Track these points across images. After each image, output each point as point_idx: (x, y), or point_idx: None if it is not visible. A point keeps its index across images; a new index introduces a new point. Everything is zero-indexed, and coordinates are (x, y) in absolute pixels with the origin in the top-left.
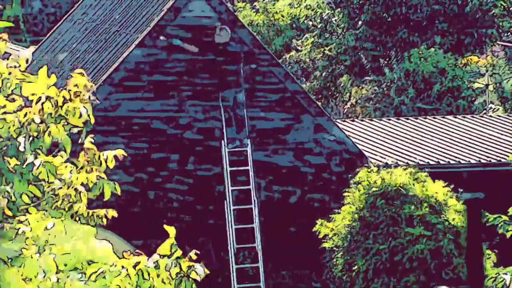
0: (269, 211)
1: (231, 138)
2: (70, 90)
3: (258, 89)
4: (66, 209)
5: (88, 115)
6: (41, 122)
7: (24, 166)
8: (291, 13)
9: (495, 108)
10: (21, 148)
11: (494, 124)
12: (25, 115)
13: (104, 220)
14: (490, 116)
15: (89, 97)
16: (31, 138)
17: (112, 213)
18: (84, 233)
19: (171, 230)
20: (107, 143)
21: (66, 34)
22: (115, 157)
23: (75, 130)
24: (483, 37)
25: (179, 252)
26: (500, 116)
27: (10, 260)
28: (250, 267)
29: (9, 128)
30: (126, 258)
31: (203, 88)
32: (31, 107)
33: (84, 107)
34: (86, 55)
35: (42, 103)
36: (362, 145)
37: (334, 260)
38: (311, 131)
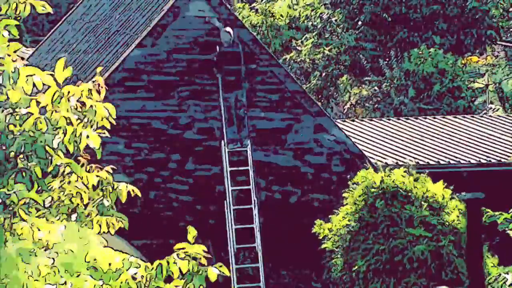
0: (269, 211)
1: (231, 138)
2: (89, 88)
3: (258, 89)
4: (70, 212)
5: (107, 118)
6: (69, 123)
7: (50, 167)
8: (290, 14)
9: (495, 108)
10: (54, 145)
11: (494, 124)
12: (51, 113)
13: (112, 230)
14: (490, 116)
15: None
16: (60, 139)
17: (125, 223)
18: (88, 235)
19: (192, 231)
20: (107, 143)
21: (66, 34)
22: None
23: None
24: (482, 37)
25: (197, 248)
26: (500, 116)
27: (21, 259)
28: (250, 267)
29: (36, 128)
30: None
31: (203, 88)
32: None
33: (105, 107)
34: (86, 55)
35: (75, 105)
36: (362, 145)
37: (334, 260)
38: (311, 131)
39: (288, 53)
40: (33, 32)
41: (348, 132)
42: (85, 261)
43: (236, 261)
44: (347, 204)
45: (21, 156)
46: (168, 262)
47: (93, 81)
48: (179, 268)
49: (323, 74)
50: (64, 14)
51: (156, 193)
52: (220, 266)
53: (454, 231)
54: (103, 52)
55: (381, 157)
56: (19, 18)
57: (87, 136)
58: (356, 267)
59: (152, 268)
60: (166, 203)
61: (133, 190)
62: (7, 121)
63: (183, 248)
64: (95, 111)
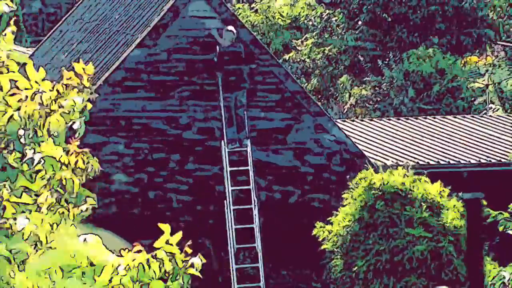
0: (269, 211)
1: (231, 138)
2: (64, 83)
3: (258, 89)
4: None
5: (86, 106)
6: (40, 116)
7: (23, 161)
8: (290, 13)
9: (495, 108)
10: (22, 141)
11: (494, 124)
12: (25, 107)
13: (87, 212)
14: (490, 116)
15: (89, 88)
16: (31, 132)
17: (92, 202)
18: (71, 230)
19: (166, 228)
20: (107, 143)
21: (66, 34)
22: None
23: (75, 124)
24: (482, 38)
25: (174, 248)
26: (500, 116)
27: (15, 259)
28: (250, 267)
29: (11, 122)
30: (122, 256)
31: (203, 88)
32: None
33: (79, 97)
34: (86, 55)
35: (41, 97)
36: (362, 145)
37: (334, 261)
38: (311, 131)
39: (288, 53)
40: (33, 32)
41: (348, 132)
42: (80, 261)
43: (236, 261)
44: (347, 204)
45: (4, 151)
46: (148, 261)
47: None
48: (163, 268)
49: (323, 74)
50: (64, 14)
51: (156, 193)
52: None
53: (454, 231)
54: (103, 52)
55: (381, 157)
56: None
57: (49, 125)
58: (356, 267)
59: (134, 267)
60: (166, 203)
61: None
62: None
63: (159, 248)
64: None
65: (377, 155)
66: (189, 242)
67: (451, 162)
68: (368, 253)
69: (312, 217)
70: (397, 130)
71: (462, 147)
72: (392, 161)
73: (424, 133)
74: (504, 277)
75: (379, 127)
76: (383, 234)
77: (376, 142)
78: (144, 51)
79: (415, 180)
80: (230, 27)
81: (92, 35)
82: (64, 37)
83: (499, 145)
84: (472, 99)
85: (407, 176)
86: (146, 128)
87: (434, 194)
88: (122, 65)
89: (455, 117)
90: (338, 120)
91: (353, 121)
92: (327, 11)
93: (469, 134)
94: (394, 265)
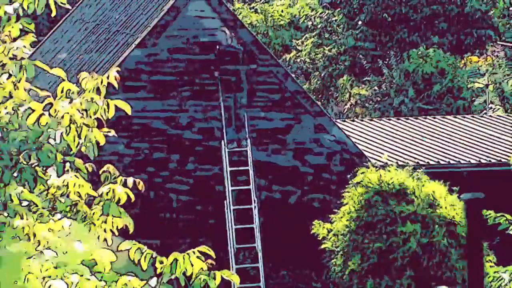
0: (269, 211)
1: (231, 138)
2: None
3: (258, 89)
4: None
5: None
6: (73, 121)
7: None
8: (290, 13)
9: (495, 108)
10: (57, 139)
11: (494, 124)
12: (55, 111)
13: (115, 231)
14: (490, 116)
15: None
16: (64, 133)
17: (130, 226)
18: (83, 233)
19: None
20: (107, 143)
21: (66, 34)
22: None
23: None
24: (482, 37)
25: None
26: (500, 116)
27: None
28: (250, 267)
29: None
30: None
31: (203, 88)
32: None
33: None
34: (86, 55)
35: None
36: (362, 145)
37: (334, 260)
38: (311, 131)
39: (288, 53)
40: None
41: (348, 132)
42: (84, 261)
43: (236, 261)
44: (346, 203)
45: (22, 154)
46: (184, 258)
47: (107, 77)
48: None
49: (323, 74)
50: (64, 14)
51: (156, 193)
52: (231, 274)
53: (450, 228)
54: (103, 52)
55: (381, 157)
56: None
57: (93, 135)
58: (354, 266)
59: (167, 264)
60: (166, 203)
61: (139, 183)
62: (10, 118)
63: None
64: (106, 108)
65: (377, 155)
66: (211, 262)
67: (451, 162)
68: (366, 251)
69: (312, 217)
70: (397, 130)
71: (462, 147)
72: (392, 161)
73: (424, 133)
74: (503, 279)
75: (379, 127)
76: (380, 232)
77: (376, 142)
78: (144, 51)
79: (412, 176)
80: (224, 28)
81: (92, 35)
82: (65, 37)
83: (499, 145)
84: (472, 99)
85: (407, 173)
86: (146, 128)
87: (431, 190)
88: (122, 65)
89: (455, 117)
90: (338, 120)
91: (353, 121)
92: (327, 11)
93: (469, 134)
94: (390, 263)
